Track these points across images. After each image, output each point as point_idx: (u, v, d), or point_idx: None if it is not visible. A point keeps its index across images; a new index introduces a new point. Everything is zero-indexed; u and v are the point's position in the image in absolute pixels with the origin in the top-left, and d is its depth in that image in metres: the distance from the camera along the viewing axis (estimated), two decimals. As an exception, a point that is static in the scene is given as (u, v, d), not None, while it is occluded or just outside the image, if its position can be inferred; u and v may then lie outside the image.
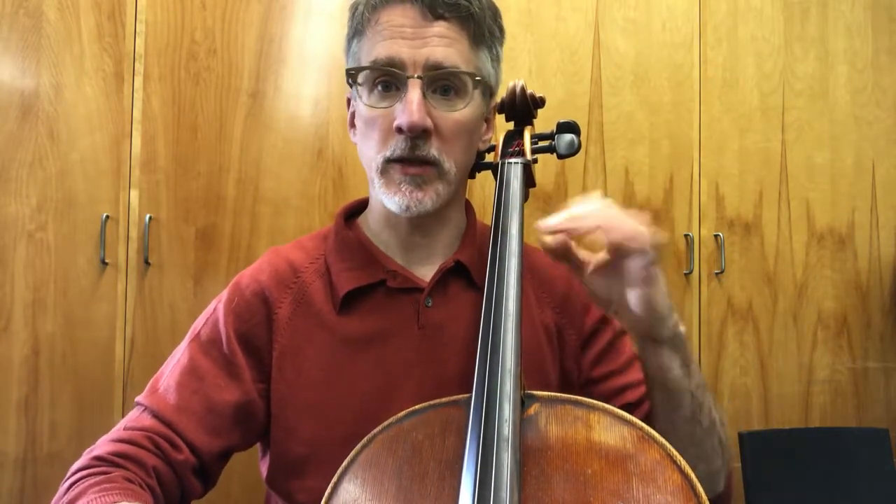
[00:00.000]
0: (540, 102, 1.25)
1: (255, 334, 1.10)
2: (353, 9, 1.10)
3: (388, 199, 1.06)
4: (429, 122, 1.02)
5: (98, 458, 0.97)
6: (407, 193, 1.04)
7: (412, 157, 1.03)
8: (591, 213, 0.94)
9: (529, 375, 1.00)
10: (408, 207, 1.05)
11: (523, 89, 1.22)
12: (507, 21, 2.36)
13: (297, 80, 2.24)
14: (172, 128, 2.13)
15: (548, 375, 1.13)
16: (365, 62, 1.06)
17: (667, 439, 0.94)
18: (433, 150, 1.03)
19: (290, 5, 2.23)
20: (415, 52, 1.02)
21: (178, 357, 1.11)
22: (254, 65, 2.20)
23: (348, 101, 1.18)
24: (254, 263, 1.19)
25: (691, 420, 0.99)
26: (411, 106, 1.00)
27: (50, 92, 2.03)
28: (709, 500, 0.96)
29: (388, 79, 1.05)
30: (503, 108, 1.25)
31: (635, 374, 1.15)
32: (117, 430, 1.03)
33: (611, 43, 2.49)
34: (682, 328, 0.97)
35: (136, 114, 2.10)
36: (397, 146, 1.03)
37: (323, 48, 2.23)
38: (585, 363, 1.17)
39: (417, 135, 1.01)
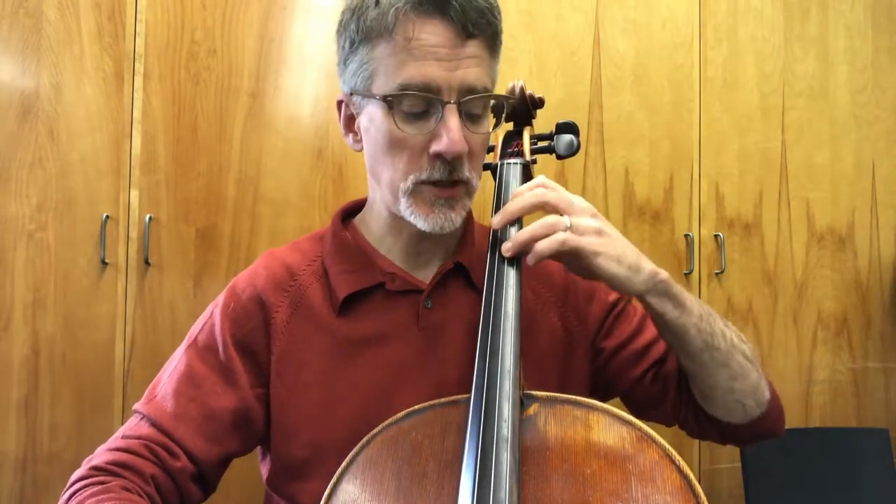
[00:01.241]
0: (539, 103, 1.25)
1: (252, 339, 1.10)
2: (361, 10, 1.05)
3: (418, 219, 1.05)
4: (466, 147, 1.01)
5: (96, 468, 0.98)
6: (440, 214, 1.04)
7: (449, 181, 1.03)
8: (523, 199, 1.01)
9: (536, 382, 1.00)
10: (441, 227, 1.05)
11: (522, 90, 1.22)
12: (508, 21, 2.35)
13: (297, 80, 2.23)
14: (172, 128, 2.13)
15: (553, 379, 1.14)
16: (392, 81, 1.02)
17: (696, 373, 1.04)
18: (466, 171, 1.04)
19: (290, 5, 2.23)
20: (450, 76, 1.00)
21: (175, 363, 1.11)
22: (254, 65, 2.20)
23: (339, 103, 1.16)
24: (249, 267, 1.19)
25: (707, 348, 1.03)
26: (453, 134, 0.99)
27: (50, 92, 2.03)
28: (762, 410, 1.10)
29: (422, 105, 1.02)
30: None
31: (652, 330, 1.18)
32: (115, 439, 1.03)
33: (611, 43, 2.49)
34: (662, 275, 1.00)
35: (136, 114, 2.10)
36: (434, 171, 1.02)
37: (323, 48, 2.23)
38: (601, 344, 1.19)
39: (457, 160, 1.02)
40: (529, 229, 0.95)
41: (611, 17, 2.50)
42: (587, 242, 0.94)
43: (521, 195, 1.00)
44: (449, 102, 1.00)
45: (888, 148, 2.76)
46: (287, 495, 1.09)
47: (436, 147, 1.00)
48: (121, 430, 1.06)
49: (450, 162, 1.01)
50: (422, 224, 1.05)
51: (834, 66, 2.72)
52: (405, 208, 1.06)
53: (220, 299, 1.15)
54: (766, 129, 2.63)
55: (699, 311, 1.03)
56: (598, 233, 0.96)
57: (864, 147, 2.73)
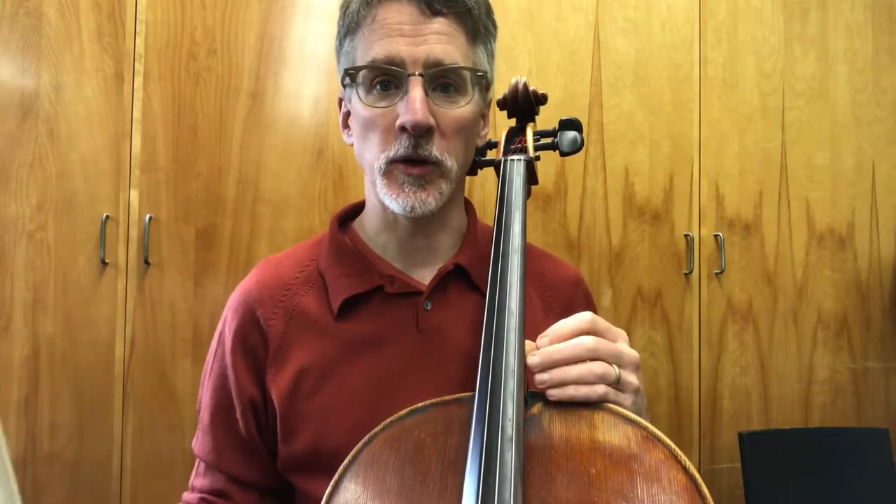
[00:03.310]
0: (542, 99, 1.24)
1: (255, 355, 1.11)
2: (345, 7, 1.09)
3: (390, 200, 1.04)
4: (432, 121, 1.00)
5: None
6: (411, 194, 1.03)
7: (415, 156, 1.01)
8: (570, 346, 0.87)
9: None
10: (412, 208, 1.03)
11: (525, 86, 1.21)
12: (507, 21, 2.37)
13: (297, 80, 2.23)
14: (172, 128, 2.13)
15: None
16: (362, 61, 1.04)
17: None
18: (435, 149, 1.02)
19: (290, 5, 2.23)
20: (414, 50, 1.00)
21: (205, 393, 1.16)
22: (254, 65, 2.20)
23: (340, 101, 1.18)
24: (246, 278, 1.19)
25: None
26: (414, 104, 0.98)
27: (50, 92, 2.03)
28: None
29: (387, 78, 1.03)
30: (505, 104, 1.24)
31: None
32: (186, 492, 1.15)
33: (611, 43, 2.49)
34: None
35: (136, 114, 2.10)
36: (400, 146, 1.01)
37: (323, 48, 2.23)
38: None
39: (420, 133, 1.00)
40: (578, 374, 0.85)
41: (611, 17, 2.50)
42: (624, 405, 0.86)
43: (567, 337, 0.88)
44: (413, 75, 1.00)
45: (888, 148, 2.76)
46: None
47: (399, 119, 1.00)
48: (191, 477, 1.16)
49: (415, 137, 1.00)
50: (394, 206, 1.04)
51: (834, 66, 2.72)
52: (380, 189, 1.05)
53: (224, 318, 1.17)
54: (766, 129, 2.63)
55: None
56: (636, 393, 0.88)
57: (864, 147, 2.73)
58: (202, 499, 1.11)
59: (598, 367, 0.85)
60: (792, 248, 2.65)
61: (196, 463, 1.17)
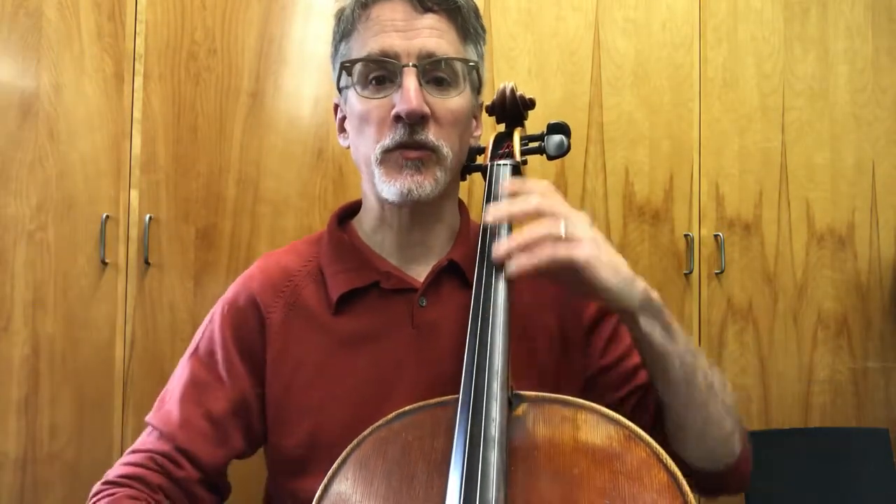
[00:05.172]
0: (530, 104, 1.25)
1: (250, 340, 1.12)
2: (340, 13, 1.12)
3: (388, 186, 1.06)
4: (426, 109, 1.03)
5: (108, 482, 1.04)
6: (408, 177, 1.05)
7: (411, 142, 1.04)
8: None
9: (532, 383, 0.99)
10: (409, 191, 1.05)
11: (513, 91, 1.22)
12: (507, 21, 2.38)
13: (297, 80, 2.24)
14: (172, 128, 2.13)
15: (549, 379, 1.13)
16: (357, 57, 1.07)
17: (669, 405, 0.98)
18: (431, 136, 1.05)
19: (290, 5, 2.24)
20: (408, 43, 1.04)
21: (180, 371, 1.15)
22: (254, 65, 2.20)
23: (335, 107, 1.20)
24: (247, 270, 1.20)
25: (685, 383, 0.97)
26: (409, 93, 1.01)
27: (50, 92, 2.04)
28: (728, 462, 1.01)
29: (382, 72, 1.06)
30: (493, 110, 1.25)
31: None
32: (128, 454, 1.09)
33: (611, 43, 2.49)
34: (655, 294, 0.95)
35: (136, 114, 2.11)
36: (396, 134, 1.04)
37: (323, 48, 2.23)
38: (593, 354, 1.17)
39: (416, 121, 1.03)
40: (527, 235, 0.89)
41: (611, 17, 2.49)
42: (583, 252, 0.87)
43: (521, 197, 0.94)
44: (407, 65, 1.03)
45: (888, 148, 2.75)
46: (288, 491, 1.11)
47: (395, 109, 1.03)
48: (135, 444, 1.11)
49: (410, 125, 1.03)
50: (391, 192, 1.06)
51: (834, 66, 2.71)
52: (378, 179, 1.07)
53: (219, 305, 1.18)
54: (766, 129, 2.62)
55: (685, 344, 0.97)
56: (595, 241, 0.89)
57: (864, 147, 2.72)
58: (150, 457, 1.07)
59: (545, 224, 0.89)
60: (792, 248, 2.64)
61: (146, 433, 1.13)
